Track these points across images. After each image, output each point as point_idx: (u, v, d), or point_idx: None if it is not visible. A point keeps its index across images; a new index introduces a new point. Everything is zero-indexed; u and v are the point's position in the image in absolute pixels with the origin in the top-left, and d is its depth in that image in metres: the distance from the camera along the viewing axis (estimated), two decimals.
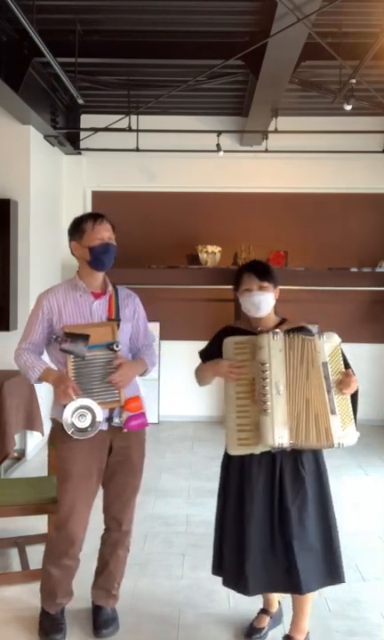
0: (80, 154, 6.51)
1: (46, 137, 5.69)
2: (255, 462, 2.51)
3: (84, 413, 2.50)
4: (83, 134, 6.39)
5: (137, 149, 6.07)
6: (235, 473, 2.57)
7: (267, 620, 2.77)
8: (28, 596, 2.96)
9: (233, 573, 2.55)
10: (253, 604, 2.86)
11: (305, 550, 2.46)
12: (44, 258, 5.74)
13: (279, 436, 2.40)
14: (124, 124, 5.75)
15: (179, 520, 4.03)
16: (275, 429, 2.40)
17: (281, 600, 2.84)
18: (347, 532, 3.81)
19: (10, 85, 4.39)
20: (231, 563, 2.55)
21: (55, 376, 2.59)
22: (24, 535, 3.59)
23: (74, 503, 2.60)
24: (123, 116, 5.74)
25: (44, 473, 3.68)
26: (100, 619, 2.77)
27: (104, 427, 2.60)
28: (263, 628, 2.75)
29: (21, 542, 3.50)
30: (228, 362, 2.51)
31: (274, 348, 2.43)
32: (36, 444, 5.34)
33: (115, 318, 2.66)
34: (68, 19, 4.19)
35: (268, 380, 2.43)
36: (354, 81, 4.29)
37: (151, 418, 6.40)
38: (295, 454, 2.49)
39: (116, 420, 2.60)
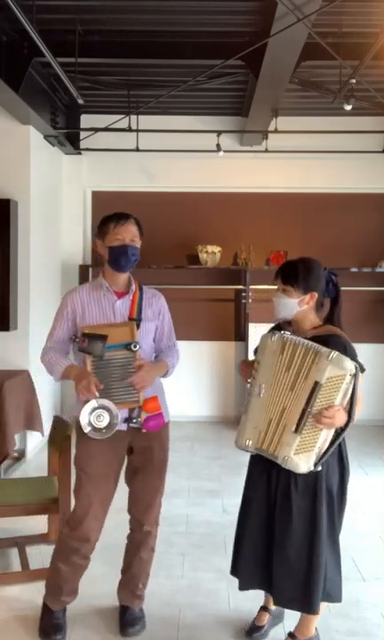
0: (80, 154, 6.51)
1: (46, 137, 5.69)
2: (260, 466, 2.51)
3: (101, 413, 2.49)
4: (83, 134, 6.38)
5: (137, 149, 6.07)
6: (249, 472, 2.60)
7: (267, 618, 2.77)
8: (28, 595, 2.96)
9: (233, 567, 2.63)
10: (253, 603, 2.86)
11: (282, 565, 2.44)
12: (43, 258, 5.74)
13: (247, 438, 2.39)
14: (124, 124, 5.76)
15: (179, 520, 4.02)
16: (245, 431, 2.41)
17: None
18: (347, 532, 3.80)
19: (10, 85, 4.39)
20: (234, 557, 2.63)
21: (77, 372, 2.57)
22: (24, 535, 3.59)
23: (90, 502, 2.59)
24: (123, 116, 5.75)
25: (44, 473, 3.68)
26: (126, 617, 2.76)
27: (123, 427, 2.59)
28: (264, 626, 2.75)
29: (21, 542, 3.50)
30: (242, 362, 2.60)
31: (268, 348, 2.41)
32: (35, 443, 5.34)
33: (136, 318, 2.63)
34: (68, 19, 4.19)
35: (255, 380, 2.43)
36: (354, 81, 4.30)
37: None
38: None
39: (135, 421, 2.58)
